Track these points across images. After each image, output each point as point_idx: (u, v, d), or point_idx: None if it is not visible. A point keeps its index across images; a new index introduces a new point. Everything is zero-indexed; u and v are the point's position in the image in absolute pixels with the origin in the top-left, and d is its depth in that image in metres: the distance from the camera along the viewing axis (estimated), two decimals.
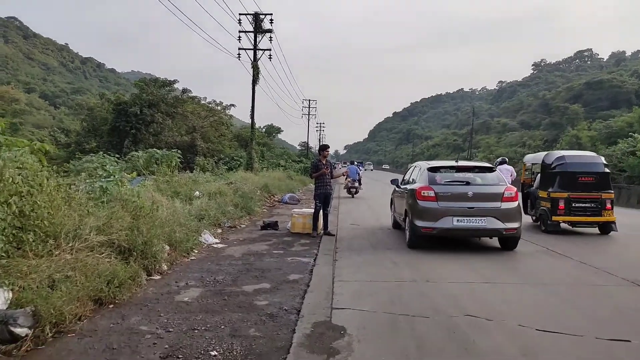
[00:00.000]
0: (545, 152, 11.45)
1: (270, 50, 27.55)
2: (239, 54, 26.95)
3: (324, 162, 9.24)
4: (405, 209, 8.30)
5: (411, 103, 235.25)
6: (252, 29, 26.31)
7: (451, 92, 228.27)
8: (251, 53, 26.72)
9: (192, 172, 30.35)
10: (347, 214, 13.30)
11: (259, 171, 28.77)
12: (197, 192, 11.40)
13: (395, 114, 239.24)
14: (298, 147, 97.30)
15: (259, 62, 27.15)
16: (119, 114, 34.46)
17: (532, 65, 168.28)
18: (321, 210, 9.23)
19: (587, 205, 9.78)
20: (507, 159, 15.21)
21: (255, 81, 26.98)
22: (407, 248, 7.90)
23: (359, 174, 20.46)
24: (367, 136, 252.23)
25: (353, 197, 12.50)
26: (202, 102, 48.95)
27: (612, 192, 10.12)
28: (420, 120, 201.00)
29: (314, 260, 6.88)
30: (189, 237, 7.37)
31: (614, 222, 9.81)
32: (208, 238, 8.01)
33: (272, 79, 76.04)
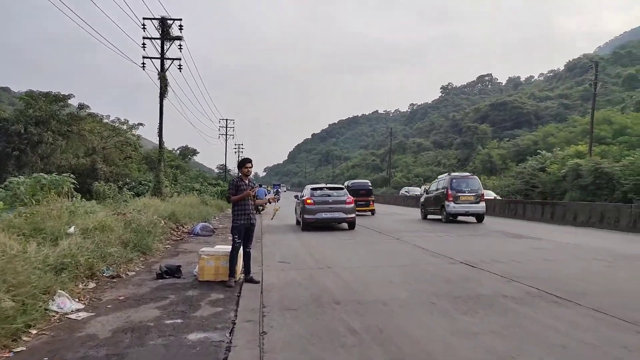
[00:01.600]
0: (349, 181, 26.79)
1: (180, 59, 24.72)
2: (143, 64, 23.83)
3: (246, 181, 6.85)
4: (300, 210, 15.91)
5: (329, 124, 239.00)
6: (158, 36, 23.37)
7: (367, 114, 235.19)
8: (158, 63, 23.74)
9: (91, 199, 26.25)
10: (272, 246, 10.87)
11: (169, 197, 25.45)
12: (72, 228, 8.42)
13: (314, 135, 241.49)
14: (216, 170, 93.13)
15: (168, 74, 24.21)
16: None
17: (441, 88, 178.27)
18: (241, 248, 6.76)
19: (362, 203, 21.42)
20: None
21: (162, 94, 23.97)
22: (360, 304, 5.74)
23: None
24: (286, 158, 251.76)
25: (272, 219, 11.22)
26: (105, 120, 44.21)
27: (373, 197, 24.25)
28: (338, 142, 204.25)
29: (230, 334, 4.42)
30: (28, 305, 4.61)
31: (374, 210, 23.28)
32: (64, 303, 5.21)
33: (185, 95, 71.87)
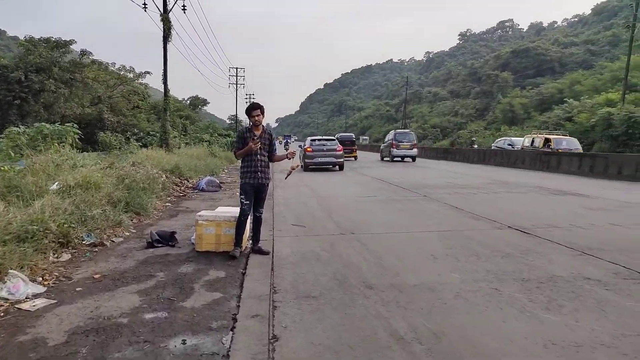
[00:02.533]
0: (339, 134, 35.41)
1: None
2: (144, 4, 22.00)
3: (258, 132, 5.44)
4: (302, 156, 19.66)
5: (342, 74, 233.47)
6: None
7: (381, 62, 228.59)
8: (161, 4, 21.86)
9: (97, 150, 25.15)
10: (284, 205, 9.62)
11: (177, 148, 24.25)
12: (55, 185, 7.23)
13: (326, 85, 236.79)
14: (227, 121, 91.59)
15: (174, 18, 22.38)
16: None
17: (459, 35, 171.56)
18: (250, 213, 5.48)
19: (348, 151, 25.69)
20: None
21: (166, 38, 22.18)
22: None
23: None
24: (298, 108, 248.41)
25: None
26: (110, 68, 42.45)
27: (356, 147, 30.84)
28: (351, 92, 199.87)
29: (230, 336, 3.20)
30: None
31: (356, 156, 29.45)
32: (16, 287, 4.02)
33: (193, 41, 68.77)
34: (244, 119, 73.96)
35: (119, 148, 23.82)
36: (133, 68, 42.62)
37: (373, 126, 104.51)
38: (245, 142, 5.35)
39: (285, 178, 6.04)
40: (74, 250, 5.53)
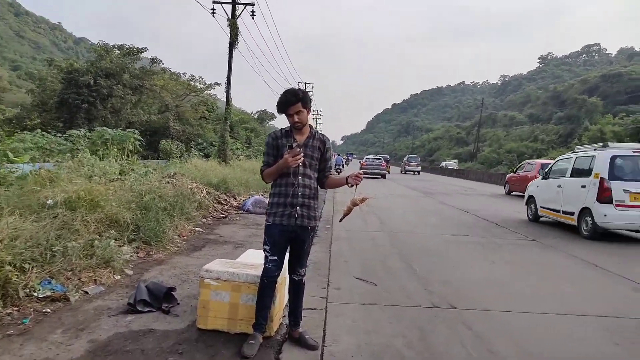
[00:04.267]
0: (381, 155, 48.44)
1: (252, 4, 21.41)
2: (213, 9, 20.96)
3: (301, 139, 3.16)
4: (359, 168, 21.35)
5: (411, 95, 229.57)
6: None
7: (452, 84, 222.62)
8: (229, 10, 20.71)
9: (159, 158, 24.20)
10: (346, 240, 7.27)
11: (237, 159, 22.80)
12: (50, 200, 5.38)
13: (394, 105, 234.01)
14: None
15: (240, 21, 21.13)
16: (68, 84, 28.16)
17: (539, 58, 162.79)
18: (279, 274, 3.19)
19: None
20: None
21: (232, 44, 20.99)
22: None
23: (343, 164, 37.69)
24: (364, 127, 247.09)
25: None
26: (182, 78, 42.67)
27: (389, 164, 36.62)
28: (420, 113, 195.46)
29: None
30: None
31: (389, 171, 35.24)
32: None
33: (262, 52, 68.86)
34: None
35: (180, 156, 22.75)
36: (202, 78, 42.50)
37: (442, 148, 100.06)
38: (279, 153, 3.11)
39: (340, 220, 3.40)
40: (15, 309, 3.52)
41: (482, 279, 5.30)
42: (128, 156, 11.05)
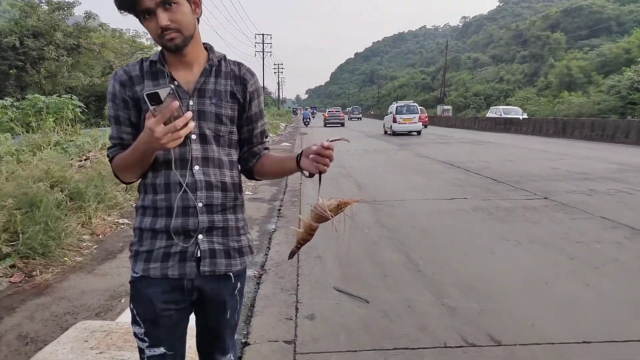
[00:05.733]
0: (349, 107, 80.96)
1: None
2: None
3: (177, 75, 1.28)
4: (323, 120, 42.44)
5: (373, 43, 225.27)
6: None
7: (414, 29, 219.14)
8: None
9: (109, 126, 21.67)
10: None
11: None
12: None
13: (357, 54, 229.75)
14: None
15: None
16: None
17: None
18: None
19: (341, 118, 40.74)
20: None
21: None
22: None
23: (310, 117, 39.41)
24: (328, 79, 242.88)
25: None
26: (125, 35, 38.97)
27: (343, 115, 42.87)
28: (383, 61, 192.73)
29: None
30: None
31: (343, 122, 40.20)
32: None
33: (215, 6, 64.13)
34: (273, 91, 70.21)
35: None
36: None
37: (407, 95, 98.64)
38: (141, 115, 1.29)
39: (290, 257, 1.45)
40: None
41: (515, 276, 3.75)
42: (69, 126, 9.92)
